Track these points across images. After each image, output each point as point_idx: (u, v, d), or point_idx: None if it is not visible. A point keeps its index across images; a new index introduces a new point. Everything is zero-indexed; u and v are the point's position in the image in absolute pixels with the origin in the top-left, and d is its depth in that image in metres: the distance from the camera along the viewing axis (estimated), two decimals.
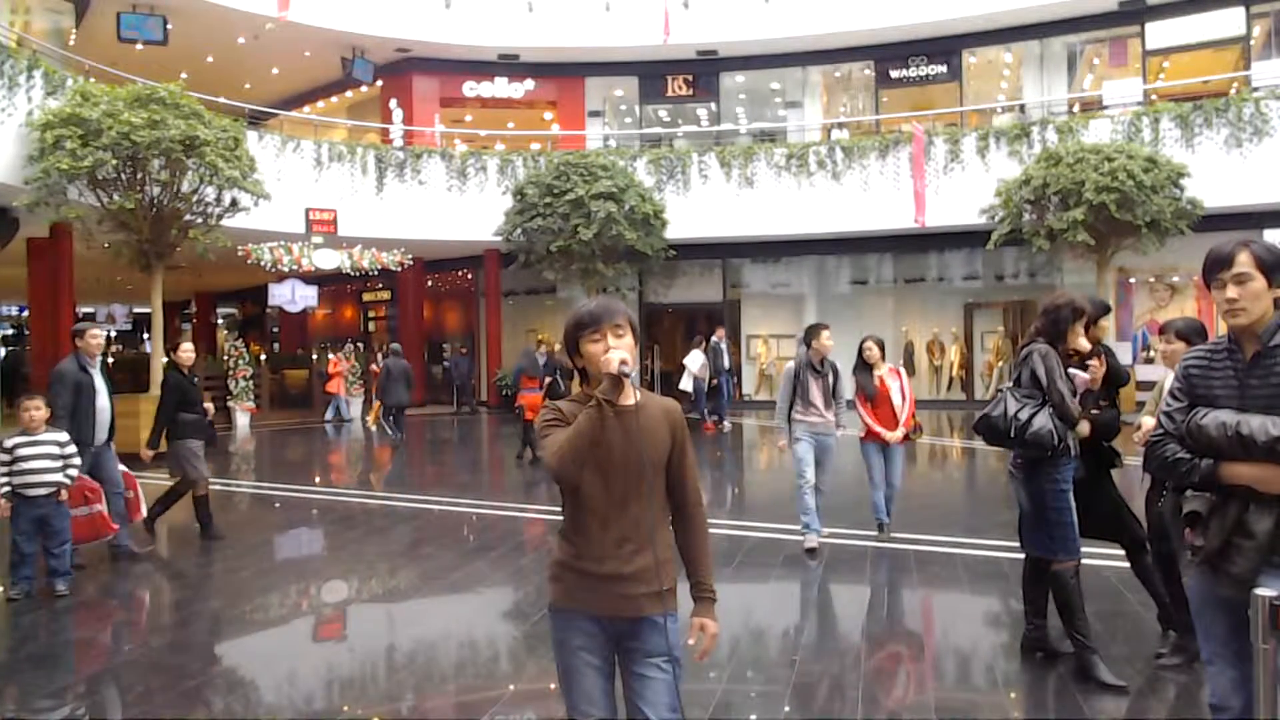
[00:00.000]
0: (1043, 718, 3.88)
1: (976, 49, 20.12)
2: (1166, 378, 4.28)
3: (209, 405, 7.79)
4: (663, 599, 2.37)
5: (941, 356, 20.30)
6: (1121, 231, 14.72)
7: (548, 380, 12.77)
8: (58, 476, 5.78)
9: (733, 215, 18.71)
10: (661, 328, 22.24)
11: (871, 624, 5.23)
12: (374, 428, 16.38)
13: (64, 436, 5.96)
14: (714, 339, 16.14)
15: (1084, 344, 4.31)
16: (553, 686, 4.22)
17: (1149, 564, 4.42)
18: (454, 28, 19.99)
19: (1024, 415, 3.93)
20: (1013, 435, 3.96)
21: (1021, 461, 4.12)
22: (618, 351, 2.30)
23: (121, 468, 6.92)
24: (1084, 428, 4.22)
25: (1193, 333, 4.06)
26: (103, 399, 6.58)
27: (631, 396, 2.39)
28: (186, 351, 7.60)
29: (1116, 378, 4.54)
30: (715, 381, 15.94)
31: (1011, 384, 4.12)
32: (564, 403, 2.38)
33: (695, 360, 15.93)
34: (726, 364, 16.20)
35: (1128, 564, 4.58)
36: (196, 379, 7.69)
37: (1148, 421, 4.17)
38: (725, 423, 15.74)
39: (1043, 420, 3.92)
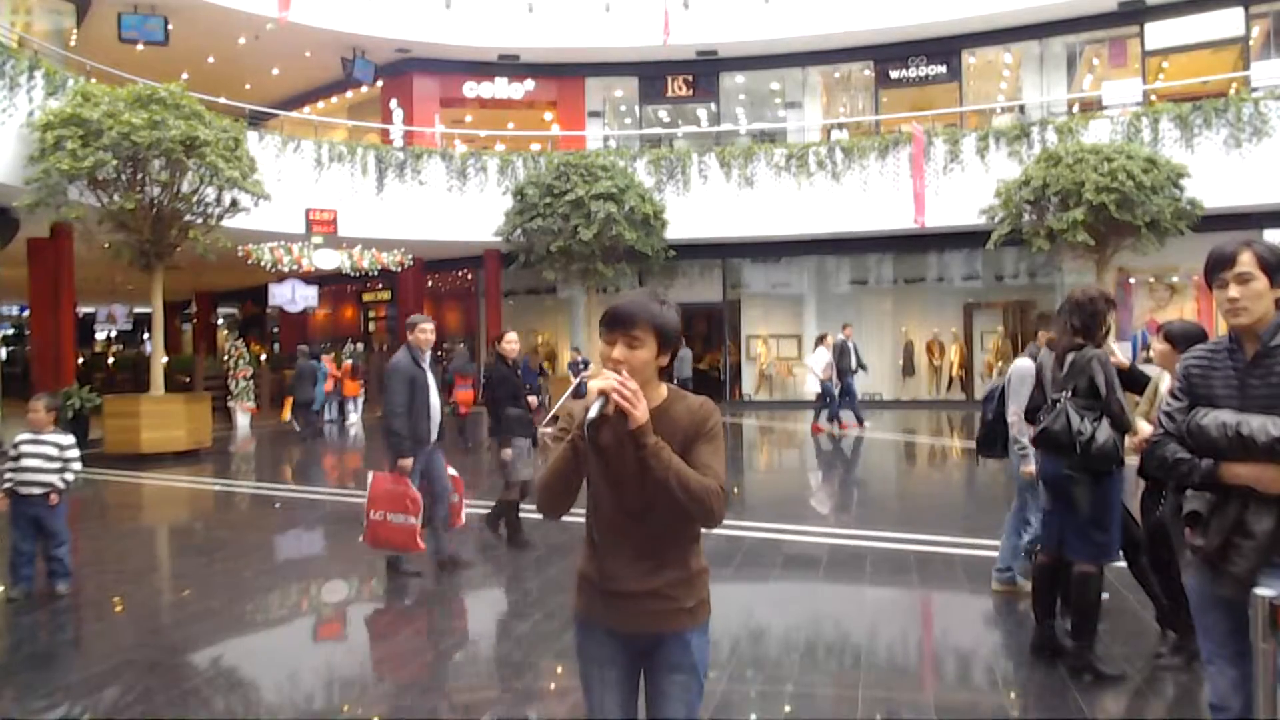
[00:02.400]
0: (1043, 718, 3.89)
1: (976, 49, 20.14)
2: (1161, 378, 4.29)
3: (533, 400, 7.29)
4: (689, 614, 2.27)
5: (941, 357, 20.34)
6: (1121, 232, 14.73)
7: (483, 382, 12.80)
8: (52, 478, 5.76)
9: (733, 215, 18.72)
10: None
11: (871, 624, 5.23)
12: (297, 426, 16.44)
13: (67, 439, 5.92)
14: (840, 336, 15.00)
15: (1116, 353, 4.32)
16: (553, 686, 4.24)
17: (1146, 564, 4.44)
18: (454, 28, 20.02)
19: (1088, 430, 3.85)
20: (1078, 451, 3.86)
21: (1085, 468, 3.96)
22: (599, 380, 2.09)
23: (451, 471, 6.64)
24: (1144, 427, 4.11)
25: (1181, 338, 4.05)
26: (434, 395, 6.27)
27: (654, 399, 2.23)
28: (511, 343, 7.06)
29: (1134, 385, 4.54)
30: (845, 381, 14.71)
31: (1069, 394, 3.97)
32: (578, 404, 2.18)
33: (819, 359, 14.65)
34: (854, 363, 14.75)
35: (1125, 564, 4.60)
36: (520, 371, 7.14)
37: (1144, 427, 4.18)
38: (850, 425, 14.64)
39: (1106, 433, 3.84)
